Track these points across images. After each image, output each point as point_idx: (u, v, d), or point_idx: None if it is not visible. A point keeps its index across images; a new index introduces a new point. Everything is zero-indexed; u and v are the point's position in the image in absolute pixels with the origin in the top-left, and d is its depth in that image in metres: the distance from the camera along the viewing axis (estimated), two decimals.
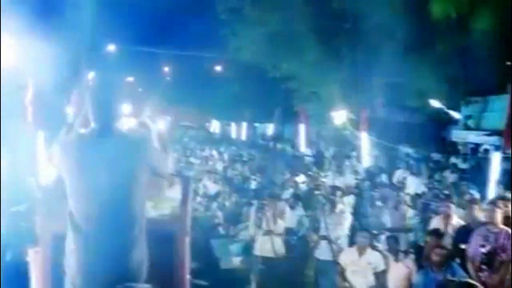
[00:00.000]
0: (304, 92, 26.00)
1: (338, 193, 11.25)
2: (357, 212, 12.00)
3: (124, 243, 4.40)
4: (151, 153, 4.62)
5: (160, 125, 5.09)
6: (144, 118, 5.13)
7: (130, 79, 47.39)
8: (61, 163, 4.47)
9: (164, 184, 6.23)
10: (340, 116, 23.77)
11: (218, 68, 50.94)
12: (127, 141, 4.56)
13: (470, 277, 8.37)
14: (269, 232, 10.34)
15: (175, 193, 5.81)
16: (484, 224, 9.40)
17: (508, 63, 18.15)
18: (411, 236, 12.80)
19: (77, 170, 4.40)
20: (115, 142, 4.49)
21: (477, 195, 12.29)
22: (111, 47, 31.78)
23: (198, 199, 16.24)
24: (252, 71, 32.04)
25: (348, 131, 24.21)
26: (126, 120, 4.91)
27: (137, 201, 4.50)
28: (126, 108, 4.82)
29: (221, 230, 14.01)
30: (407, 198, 15.21)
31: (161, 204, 5.61)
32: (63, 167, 4.45)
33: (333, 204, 11.04)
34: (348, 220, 11.15)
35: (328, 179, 18.00)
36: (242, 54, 24.99)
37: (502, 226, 9.18)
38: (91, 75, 28.07)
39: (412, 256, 10.76)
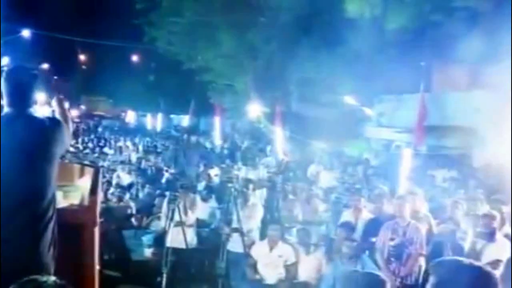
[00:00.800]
0: (219, 84, 26.07)
1: (251, 186, 11.31)
2: (269, 205, 12.07)
3: (34, 229, 4.36)
4: (64, 136, 4.66)
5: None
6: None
7: (45, 66, 46.40)
8: None
9: (74, 173, 6.16)
10: (254, 110, 23.91)
11: (134, 58, 50.60)
12: (41, 124, 4.56)
13: (379, 269, 8.56)
14: (180, 224, 10.29)
15: (85, 182, 5.75)
16: (393, 217, 9.62)
17: (422, 63, 18.61)
18: (322, 229, 12.98)
19: None
20: (28, 125, 4.49)
21: (386, 190, 12.54)
22: (26, 33, 30.99)
23: (111, 189, 16.07)
24: (168, 62, 31.91)
25: (263, 125, 24.37)
26: (40, 108, 4.86)
27: (49, 185, 4.48)
28: (39, 95, 4.77)
29: (133, 221, 13.88)
30: (320, 192, 15.43)
31: (71, 193, 5.53)
32: None
33: (245, 197, 11.09)
34: (260, 213, 11.21)
35: (241, 172, 18.09)
36: (158, 44, 24.81)
37: (410, 220, 9.41)
38: (4, 60, 27.43)
39: (322, 248, 10.91)
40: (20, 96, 4.55)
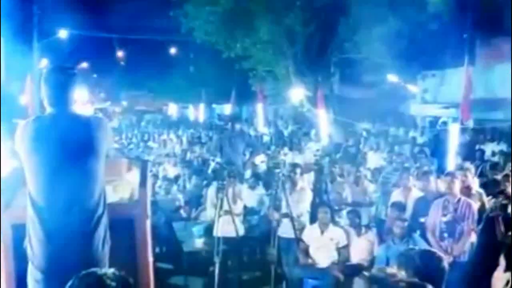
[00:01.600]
0: (260, 71, 26.06)
1: (298, 170, 11.23)
2: (317, 189, 12.04)
3: (86, 226, 4.44)
4: (108, 133, 4.73)
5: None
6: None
7: (84, 65, 46.86)
8: (21, 149, 4.50)
9: (122, 168, 6.24)
10: (297, 95, 23.85)
11: (172, 50, 50.73)
12: (84, 123, 4.62)
13: (432, 247, 8.50)
14: (230, 213, 10.32)
15: (133, 176, 5.82)
16: (443, 194, 9.54)
17: (465, 35, 18.37)
18: (372, 210, 12.95)
19: (36, 154, 4.43)
20: (72, 124, 4.55)
21: (435, 167, 12.45)
22: (63, 33, 31.26)
23: (159, 182, 16.17)
24: (207, 52, 31.99)
25: (306, 109, 24.29)
26: (82, 106, 4.93)
27: (97, 183, 4.56)
28: (81, 94, 4.81)
29: (182, 212, 13.98)
30: (368, 173, 15.38)
31: (121, 187, 5.62)
32: (23, 153, 4.49)
33: (293, 182, 11.06)
34: (309, 197, 11.18)
35: (287, 157, 18.10)
36: (195, 35, 24.86)
37: (460, 196, 9.32)
38: (43, 62, 27.81)
39: (374, 229, 10.90)
40: (61, 96, 4.60)
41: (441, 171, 12.12)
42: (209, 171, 17.30)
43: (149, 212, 5.32)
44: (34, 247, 4.40)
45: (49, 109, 4.62)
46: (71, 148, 4.45)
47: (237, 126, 14.65)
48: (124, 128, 42.61)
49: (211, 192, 11.60)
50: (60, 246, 4.33)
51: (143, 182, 5.35)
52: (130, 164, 6.35)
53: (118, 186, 5.59)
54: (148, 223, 5.24)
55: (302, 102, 24.19)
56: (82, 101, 5.02)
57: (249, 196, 13.24)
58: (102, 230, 4.53)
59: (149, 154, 24.04)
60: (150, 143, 30.23)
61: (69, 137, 4.47)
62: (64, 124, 4.52)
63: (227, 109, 45.86)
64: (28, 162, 4.45)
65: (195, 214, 13.59)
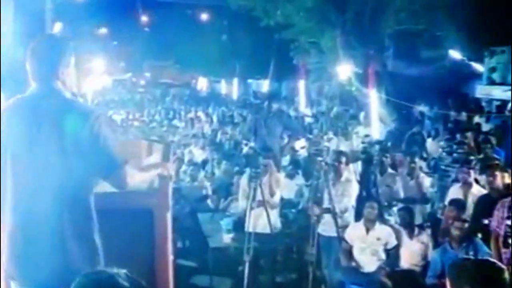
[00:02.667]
0: (303, 42, 26.00)
1: (343, 159, 11.14)
2: (365, 181, 11.98)
3: (64, 230, 4.31)
4: (100, 129, 4.41)
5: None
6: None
7: (103, 31, 47.09)
8: (4, 132, 4.42)
9: (142, 152, 6.24)
10: (344, 71, 23.71)
11: (203, 16, 50.70)
12: (71, 106, 4.48)
13: (495, 254, 8.37)
14: (263, 205, 10.30)
15: (155, 160, 5.80)
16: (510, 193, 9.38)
17: None
18: (427, 208, 12.85)
19: (17, 140, 4.37)
20: (56, 106, 4.43)
21: (502, 160, 12.28)
22: None
23: (183, 167, 16.23)
24: (243, 19, 31.94)
25: (354, 88, 24.12)
26: (98, 77, 4.88)
27: (81, 179, 4.40)
28: (99, 64, 4.76)
29: (210, 203, 14.02)
30: (423, 164, 15.25)
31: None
32: (6, 136, 4.41)
33: (337, 172, 10.98)
34: (355, 190, 11.11)
35: (332, 143, 18.01)
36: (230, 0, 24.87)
37: None
38: (58, 26, 27.98)
39: (428, 230, 10.81)
40: (47, 70, 4.49)
41: (508, 164, 11.95)
42: (242, 156, 17.36)
43: (170, 201, 5.30)
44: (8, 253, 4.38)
45: (33, 84, 4.53)
46: (52, 134, 4.32)
47: (275, 106, 14.69)
48: (147, 103, 42.83)
49: (243, 181, 11.63)
50: (35, 249, 4.28)
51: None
52: (150, 146, 6.35)
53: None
54: (169, 214, 5.23)
55: (350, 80, 24.04)
56: (99, 71, 4.98)
57: (287, 186, 13.23)
58: (87, 236, 4.39)
59: (174, 134, 24.13)
60: (175, 122, 30.29)
61: (51, 121, 4.34)
62: (47, 105, 4.40)
63: (264, 85, 45.79)
64: (12, 149, 4.38)
65: (223, 205, 13.61)
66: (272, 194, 11.14)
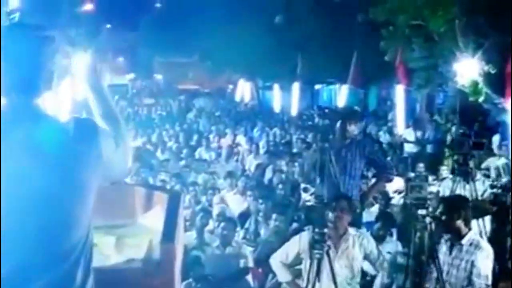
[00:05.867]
0: (401, 27, 25.92)
1: (463, 212, 11.08)
2: (498, 246, 11.88)
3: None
4: (100, 149, 4.62)
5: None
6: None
7: (89, 7, 47.42)
8: None
9: (136, 203, 6.26)
10: (467, 71, 23.52)
11: None
12: (60, 129, 4.56)
13: None
14: (334, 284, 10.27)
15: (155, 220, 5.81)
16: None
17: None
18: None
19: None
20: (39, 129, 4.50)
21: None
22: None
23: (211, 224, 16.27)
24: None
25: (482, 98, 23.87)
26: (60, 98, 4.91)
27: (79, 226, 4.56)
28: (59, 75, 4.78)
29: (251, 280, 14.03)
30: None
31: (131, 239, 5.63)
32: None
33: (455, 231, 10.94)
34: (487, 260, 11.02)
35: (444, 186, 17.85)
36: None
37: None
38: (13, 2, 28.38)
39: None
40: (23, 79, 4.57)
41: None
42: (301, 206, 17.34)
43: (178, 283, 5.30)
44: None
45: (3, 100, 4.59)
46: (32, 169, 4.42)
47: (354, 127, 14.59)
48: (157, 122, 42.90)
49: (301, 245, 11.60)
50: None
51: (169, 232, 5.33)
52: (150, 196, 6.35)
53: (126, 238, 5.60)
54: None
55: (476, 85, 23.85)
56: (80, 74, 5.02)
57: (373, 253, 13.18)
58: None
59: (199, 171, 24.12)
60: (201, 151, 30.31)
61: (31, 150, 4.44)
62: (25, 129, 4.48)
63: (340, 94, 45.34)
64: None
65: (271, 284, 13.61)
66: (348, 268, 11.13)
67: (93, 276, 4.60)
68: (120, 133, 4.86)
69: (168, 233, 5.28)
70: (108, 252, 5.07)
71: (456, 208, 11.17)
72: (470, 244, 10.80)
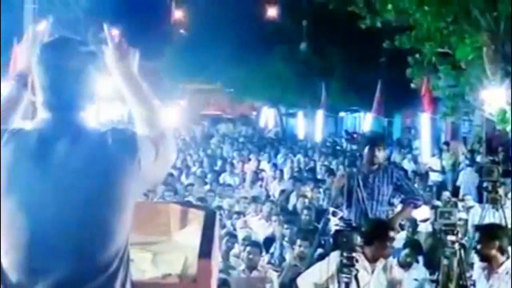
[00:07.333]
0: (427, 55, 25.85)
1: (499, 242, 11.02)
2: None
3: None
4: (143, 161, 4.63)
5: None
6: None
7: (114, 33, 47.58)
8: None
9: (171, 221, 6.22)
10: (494, 100, 23.42)
11: (270, 12, 50.89)
12: (100, 141, 4.59)
13: None
14: None
15: (190, 236, 5.77)
16: None
17: None
18: None
19: (17, 194, 4.44)
20: (78, 142, 4.55)
21: None
22: None
23: (236, 248, 16.23)
24: (333, 18, 31.98)
25: (510, 126, 23.77)
26: (105, 107, 4.91)
27: (112, 240, 4.57)
28: (102, 88, 4.78)
29: None
30: None
31: (166, 255, 5.60)
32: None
33: (487, 259, 10.88)
34: None
35: (473, 214, 17.76)
36: None
37: None
38: (43, 24, 28.46)
39: None
40: (64, 92, 4.60)
41: None
42: (328, 232, 17.29)
43: None
44: None
45: (43, 113, 4.61)
46: (71, 182, 4.45)
47: (380, 154, 14.51)
48: (181, 147, 43.01)
49: (329, 271, 11.54)
50: None
51: (206, 248, 5.28)
52: (185, 214, 6.31)
53: (162, 254, 5.57)
54: None
55: (504, 114, 23.72)
56: (107, 97, 5.01)
57: (401, 280, 13.10)
58: None
59: (223, 196, 24.12)
60: (225, 177, 30.33)
61: (70, 163, 4.47)
62: (65, 142, 4.51)
63: (364, 121, 45.35)
64: (6, 206, 4.45)
65: None
66: None
67: None
68: (156, 119, 4.84)
69: (205, 249, 5.24)
70: (144, 268, 5.03)
71: (492, 237, 11.11)
72: (507, 273, 10.75)
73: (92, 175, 4.47)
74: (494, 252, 10.89)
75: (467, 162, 30.67)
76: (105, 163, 4.50)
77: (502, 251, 11.07)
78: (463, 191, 24.83)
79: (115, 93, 5.01)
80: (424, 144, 32.37)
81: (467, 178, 27.46)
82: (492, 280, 10.71)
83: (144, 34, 50.77)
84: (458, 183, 27.60)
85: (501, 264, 10.89)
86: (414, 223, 16.59)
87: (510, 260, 11.24)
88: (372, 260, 11.17)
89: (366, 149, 14.87)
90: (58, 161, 4.44)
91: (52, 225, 4.42)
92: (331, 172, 27.59)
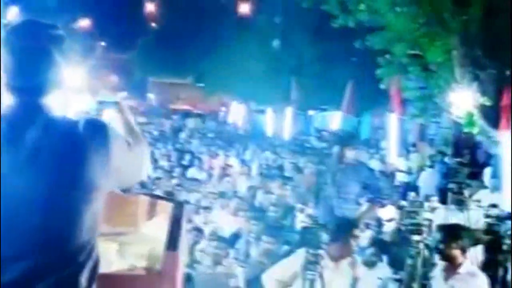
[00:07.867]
0: (398, 56, 25.90)
1: (459, 242, 11.09)
2: (491, 276, 11.86)
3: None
4: (113, 152, 4.63)
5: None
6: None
7: (85, 23, 47.35)
8: None
9: (139, 212, 6.24)
10: (462, 102, 23.48)
11: (242, 8, 50.79)
12: (69, 129, 4.57)
13: None
14: None
15: (158, 228, 5.80)
16: None
17: None
18: None
19: None
20: (47, 131, 4.51)
21: None
22: None
23: (203, 243, 16.24)
24: (304, 16, 31.99)
25: (477, 130, 23.84)
26: (73, 98, 4.92)
27: (86, 229, 4.56)
28: (73, 75, 4.78)
29: None
30: None
31: (133, 246, 5.62)
32: None
33: (449, 259, 10.94)
34: None
35: (437, 214, 17.87)
36: None
37: None
38: (12, 12, 28.41)
39: None
40: (28, 73, 4.55)
41: None
42: (294, 228, 17.32)
43: None
44: None
45: (9, 98, 4.58)
46: (42, 169, 4.43)
47: (350, 153, 14.57)
48: (149, 142, 42.78)
49: (294, 268, 11.58)
50: None
51: (173, 241, 5.33)
52: (153, 206, 6.33)
53: (129, 245, 5.59)
54: None
55: (471, 117, 23.79)
56: (74, 87, 5.02)
57: (364, 280, 13.17)
58: None
59: (190, 191, 24.12)
60: (193, 171, 30.31)
61: (41, 150, 4.44)
62: (33, 130, 4.48)
63: (333, 120, 45.19)
64: None
65: None
66: None
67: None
68: (134, 134, 4.96)
69: (172, 242, 5.28)
70: (110, 258, 5.05)
71: (454, 237, 11.17)
72: (467, 273, 10.81)
73: (62, 164, 4.45)
74: (455, 252, 10.96)
75: (428, 163, 30.86)
76: (76, 152, 4.48)
77: (463, 251, 11.15)
78: (424, 191, 24.95)
79: (84, 84, 5.03)
80: (391, 144, 32.47)
81: (426, 178, 27.69)
82: (453, 280, 10.77)
83: (116, 26, 50.66)
84: (418, 183, 27.78)
85: (461, 264, 10.96)
86: (379, 222, 16.68)
87: (469, 260, 11.34)
88: (337, 258, 11.22)
89: (337, 148, 14.93)
90: (26, 148, 4.41)
91: (20, 213, 4.40)
92: (299, 170, 27.61)
